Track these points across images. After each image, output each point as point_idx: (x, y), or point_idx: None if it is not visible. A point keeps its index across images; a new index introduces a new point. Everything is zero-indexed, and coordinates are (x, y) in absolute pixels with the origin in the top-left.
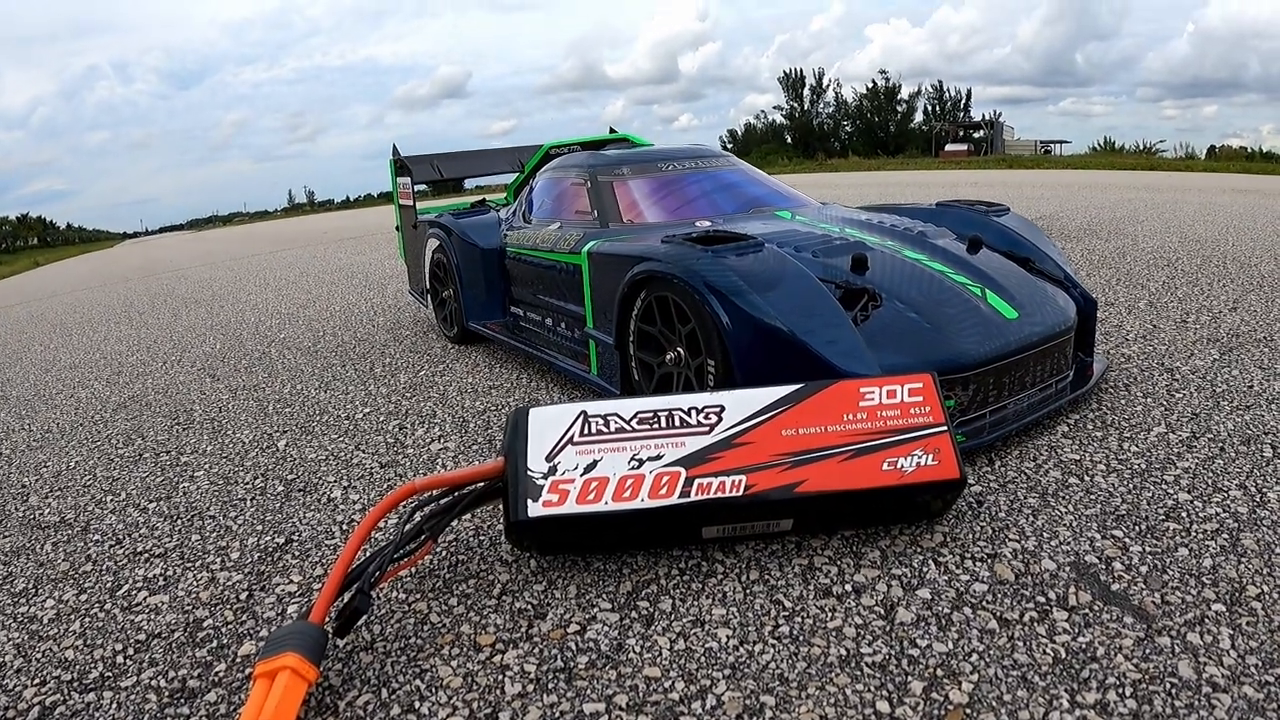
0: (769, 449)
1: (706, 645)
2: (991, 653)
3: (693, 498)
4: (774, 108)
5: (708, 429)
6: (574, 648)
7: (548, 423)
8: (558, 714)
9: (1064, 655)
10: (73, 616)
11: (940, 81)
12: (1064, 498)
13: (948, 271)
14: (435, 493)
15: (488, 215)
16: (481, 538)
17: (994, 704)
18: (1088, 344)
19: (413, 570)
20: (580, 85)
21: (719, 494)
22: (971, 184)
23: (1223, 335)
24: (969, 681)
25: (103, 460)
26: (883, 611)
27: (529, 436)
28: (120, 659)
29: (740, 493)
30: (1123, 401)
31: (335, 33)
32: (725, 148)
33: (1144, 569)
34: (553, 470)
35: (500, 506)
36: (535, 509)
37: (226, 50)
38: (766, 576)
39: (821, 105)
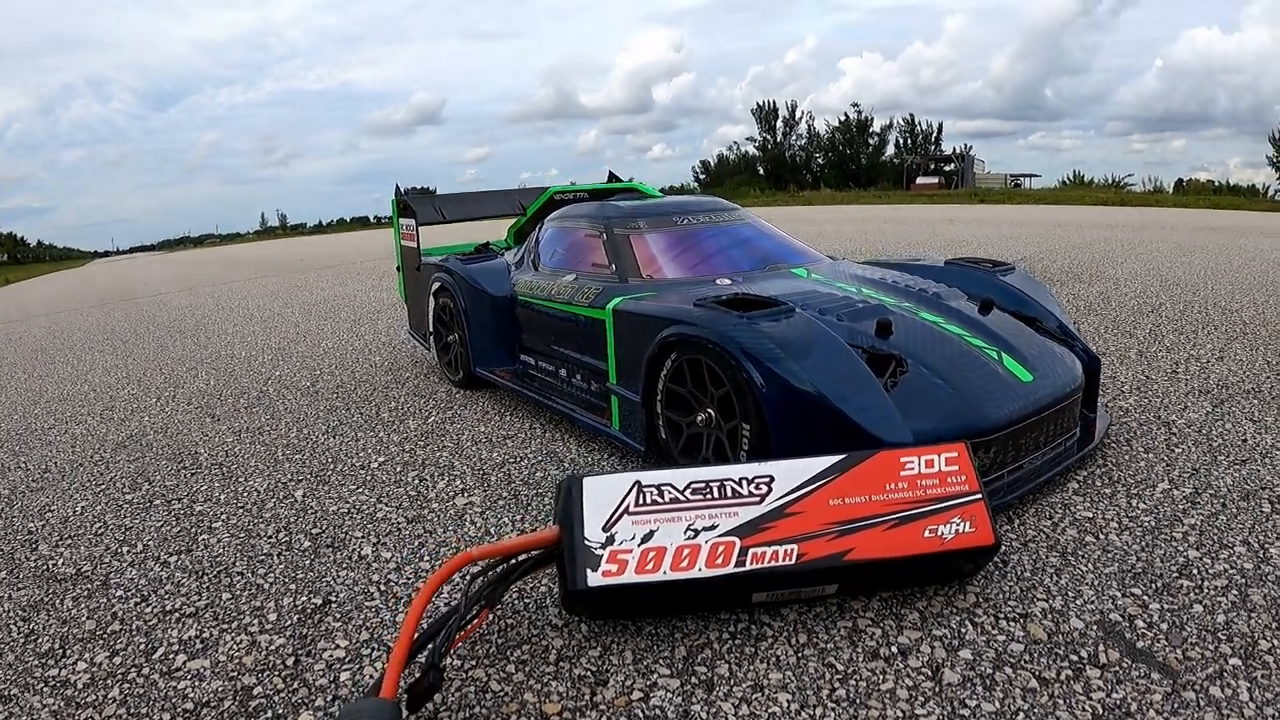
0: (818, 518)
1: (769, 710)
2: (1036, 711)
3: (748, 567)
4: (747, 139)
5: (759, 499)
6: (641, 715)
7: (602, 492)
8: None
9: (1101, 712)
10: (109, 682)
11: (912, 115)
12: (1083, 556)
13: (965, 334)
14: (489, 560)
15: (496, 261)
16: (526, 600)
17: None
18: (1091, 400)
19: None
20: (554, 114)
21: (772, 563)
22: (946, 219)
23: (1213, 387)
24: None
25: (111, 506)
26: (930, 673)
27: (584, 506)
28: None
29: (793, 561)
30: (1126, 457)
31: (312, 56)
32: (698, 178)
33: (1164, 626)
34: (610, 540)
35: (555, 573)
36: (595, 579)
37: (204, 71)
38: (815, 639)
39: (794, 137)
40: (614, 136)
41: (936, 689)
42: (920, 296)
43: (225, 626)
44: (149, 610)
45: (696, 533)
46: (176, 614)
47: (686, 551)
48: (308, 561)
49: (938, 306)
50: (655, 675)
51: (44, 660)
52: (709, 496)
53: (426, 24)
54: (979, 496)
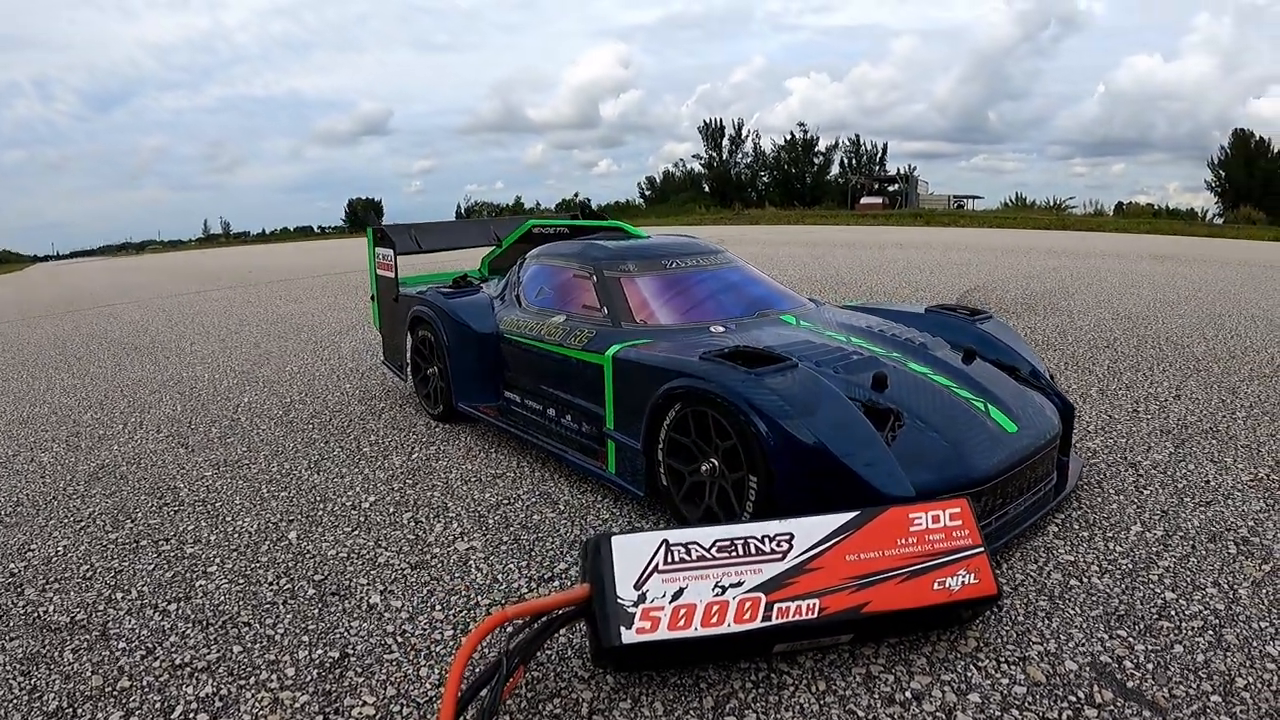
0: (837, 573)
1: None
2: None
3: (774, 621)
4: (693, 156)
5: (780, 556)
6: None
7: (631, 551)
8: None
9: None
10: None
11: (857, 135)
12: (1069, 600)
13: (952, 386)
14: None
15: (479, 295)
16: (549, 653)
17: None
18: (1065, 445)
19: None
20: (501, 127)
21: (796, 617)
22: (895, 243)
23: (1173, 426)
24: None
25: (96, 548)
26: (944, 717)
27: (614, 564)
28: None
29: (815, 615)
30: (1099, 499)
31: (260, 62)
32: (643, 195)
33: (1150, 666)
34: (642, 598)
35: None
36: (629, 636)
37: (150, 74)
38: (833, 686)
39: (740, 155)
40: (560, 151)
41: None
42: (906, 346)
43: (243, 683)
44: (157, 664)
45: (724, 589)
46: (188, 668)
47: (716, 608)
48: (315, 611)
49: (924, 357)
50: None
51: None
52: (734, 554)
53: (378, 34)
54: (981, 550)
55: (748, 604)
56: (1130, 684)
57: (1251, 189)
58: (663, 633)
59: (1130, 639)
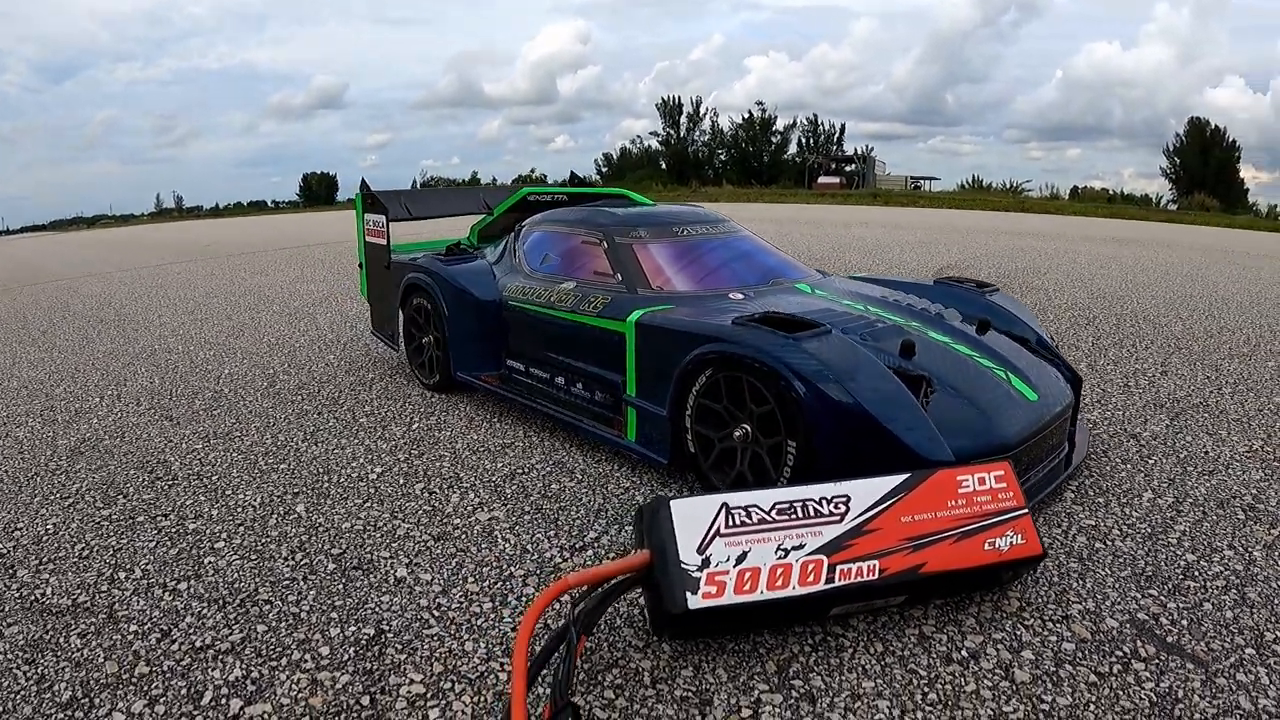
0: (894, 534)
1: (876, 718)
2: (1103, 702)
3: (836, 583)
4: (650, 133)
5: (839, 518)
6: None
7: (691, 515)
8: None
9: (1155, 699)
10: None
11: (815, 115)
12: (1098, 562)
13: (974, 355)
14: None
15: (478, 262)
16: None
17: None
18: (1074, 415)
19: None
20: (457, 102)
21: (858, 578)
22: (860, 222)
23: (1165, 400)
24: None
25: (90, 525)
26: (1003, 673)
27: (675, 529)
28: None
29: (875, 576)
30: (1108, 468)
31: (215, 34)
32: (600, 171)
33: (1185, 622)
34: (706, 563)
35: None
36: (695, 601)
37: (104, 45)
38: (891, 648)
39: (698, 133)
40: (517, 127)
41: (1013, 688)
42: (924, 316)
43: (275, 664)
44: (175, 647)
45: (786, 552)
46: (211, 651)
47: (780, 571)
48: (340, 586)
49: (942, 326)
50: (756, 691)
51: (70, 713)
52: (793, 516)
53: (335, 6)
54: (1025, 511)
55: (811, 566)
56: (1170, 639)
57: (1206, 177)
58: (729, 597)
59: (1162, 598)
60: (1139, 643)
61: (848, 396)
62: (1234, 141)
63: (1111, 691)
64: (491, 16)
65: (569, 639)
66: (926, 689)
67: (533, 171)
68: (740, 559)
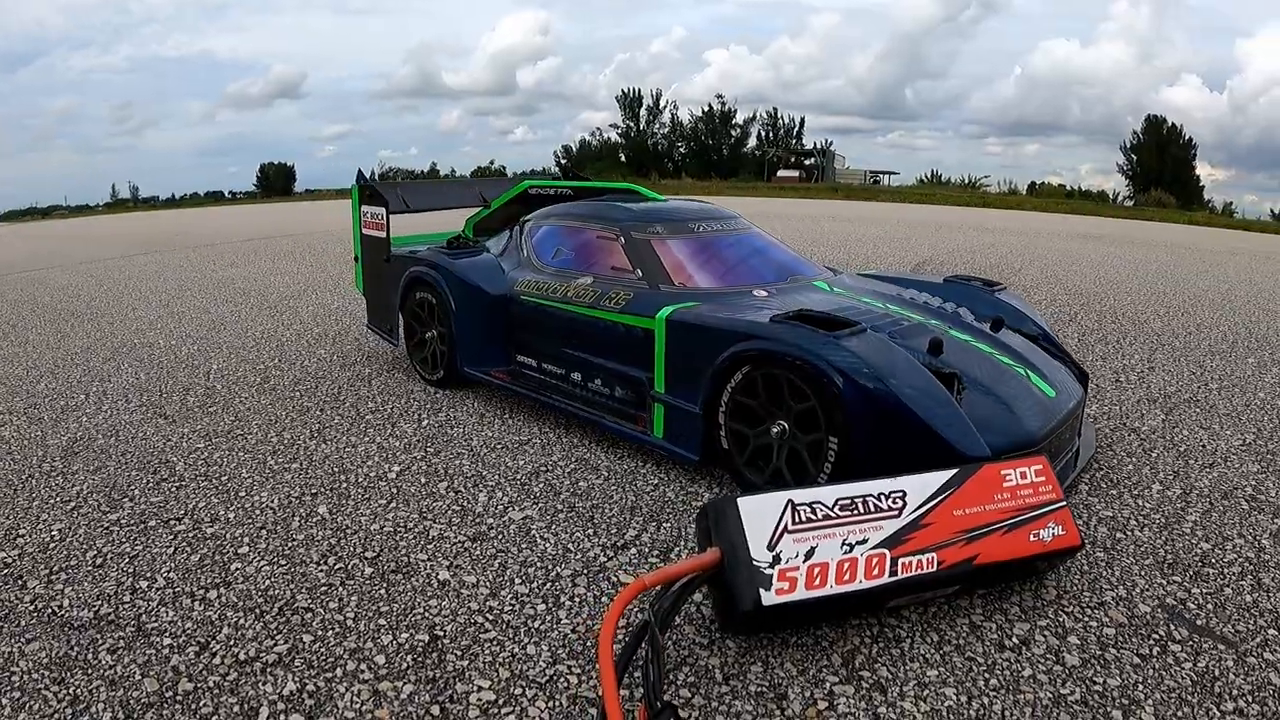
0: (949, 528)
1: (945, 704)
2: (1150, 681)
3: (899, 576)
4: (610, 126)
5: (897, 512)
6: None
7: (759, 513)
8: None
9: (1196, 678)
10: None
11: (775, 108)
12: (1122, 551)
13: (994, 353)
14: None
15: (485, 256)
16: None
17: (1172, 718)
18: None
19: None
20: (417, 93)
21: (918, 571)
22: (829, 216)
23: (1157, 395)
24: (1149, 703)
25: (99, 530)
26: (1054, 657)
27: (745, 527)
28: None
29: (934, 569)
30: (1115, 461)
31: (174, 21)
32: (559, 163)
33: (1210, 606)
34: (777, 559)
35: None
36: (769, 597)
37: (61, 32)
38: (946, 637)
39: (657, 125)
40: (476, 118)
41: (1065, 671)
42: (942, 314)
43: (330, 675)
44: (218, 661)
45: (851, 547)
46: (258, 664)
47: (847, 565)
48: (381, 591)
49: (961, 325)
50: (828, 684)
51: None
52: (855, 512)
53: None
54: (1064, 503)
55: (875, 560)
56: (1200, 621)
57: (1162, 174)
58: (800, 592)
59: (1186, 584)
60: (1172, 626)
61: (889, 393)
62: (1190, 139)
63: (1155, 672)
64: (450, 7)
65: (652, 638)
66: (987, 675)
67: (491, 163)
68: (809, 554)
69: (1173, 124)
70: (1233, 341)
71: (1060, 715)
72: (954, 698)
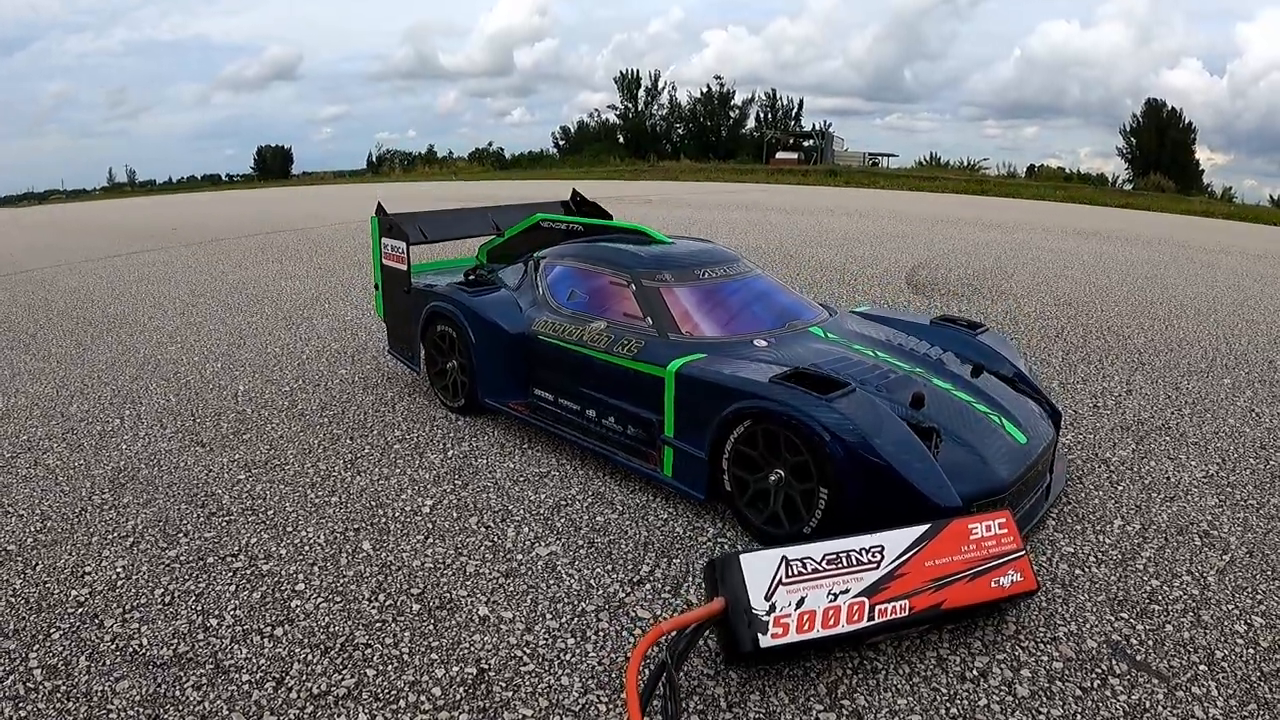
0: (920, 577)
1: None
2: (1087, 712)
3: (876, 620)
4: (608, 107)
5: (875, 565)
6: None
7: (758, 568)
8: None
9: (1129, 709)
10: None
11: (774, 90)
12: (1078, 588)
13: (971, 401)
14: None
15: (503, 293)
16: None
17: None
18: (1053, 450)
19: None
20: (414, 74)
21: (893, 616)
22: (827, 209)
23: (1130, 422)
24: None
25: (160, 568)
26: (1007, 689)
27: (745, 580)
28: None
29: (906, 614)
30: (1082, 494)
31: (169, 4)
32: (557, 144)
33: (1150, 642)
34: (773, 608)
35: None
36: (766, 641)
37: (55, 16)
38: (916, 670)
39: (655, 107)
40: (473, 99)
41: (1015, 702)
42: (926, 362)
43: (395, 707)
44: (294, 695)
45: (835, 596)
46: (330, 697)
47: (831, 612)
48: (430, 626)
49: (943, 372)
50: (814, 711)
51: None
52: (839, 565)
53: None
54: (1023, 553)
55: (855, 607)
56: (1140, 657)
57: (1161, 158)
58: (792, 636)
59: (1131, 620)
60: (1113, 661)
61: (873, 451)
62: (1190, 123)
63: (1093, 704)
64: None
65: (669, 675)
66: (949, 704)
67: (489, 145)
68: (799, 604)
69: (1172, 107)
70: (1211, 359)
71: None
72: None
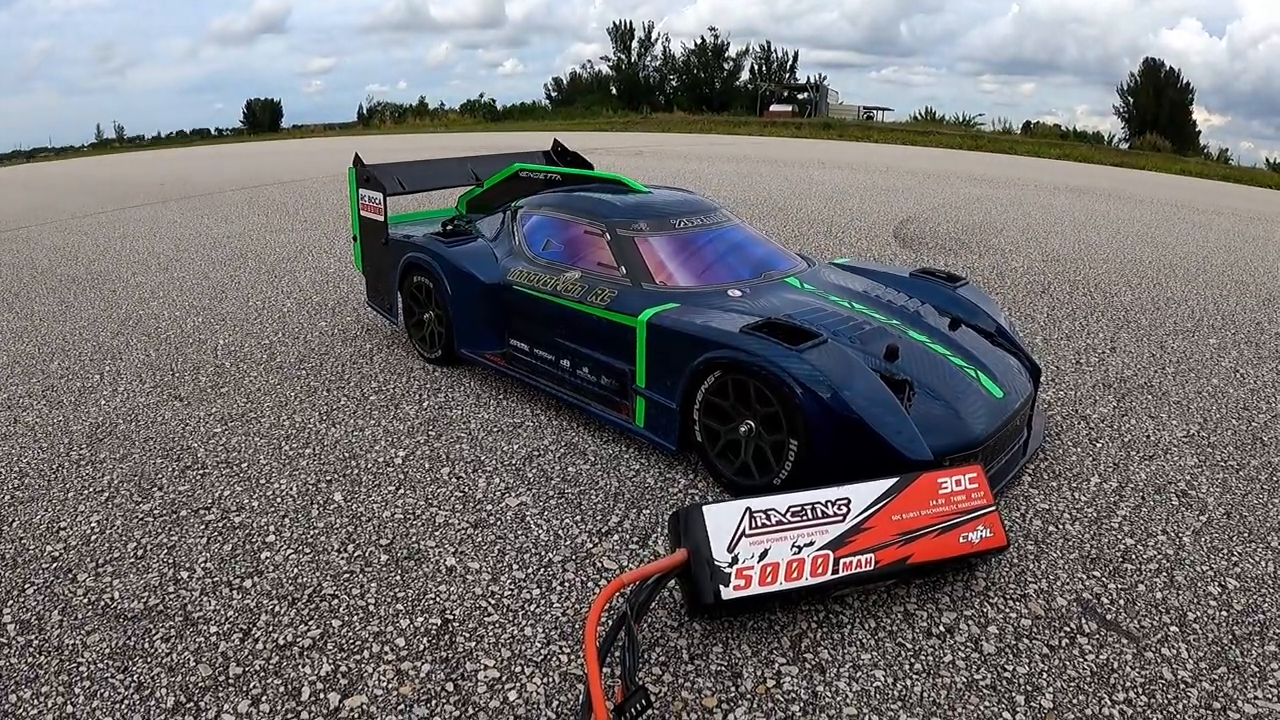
0: (887, 531)
1: (874, 685)
2: (1053, 670)
3: (840, 574)
4: (601, 58)
5: (841, 518)
6: (781, 700)
7: (721, 519)
8: None
9: (1095, 668)
10: None
11: (768, 42)
12: (1051, 545)
13: (947, 354)
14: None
15: (479, 244)
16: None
17: (1068, 705)
18: (1031, 405)
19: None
20: (404, 26)
21: (857, 569)
22: (818, 162)
23: (1113, 380)
24: (1050, 691)
25: (135, 522)
26: (974, 645)
27: (708, 531)
28: None
29: (871, 567)
30: (1060, 451)
31: None
32: (550, 96)
33: (1122, 602)
34: (735, 560)
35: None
36: (728, 593)
37: None
38: (882, 624)
39: (649, 59)
40: (465, 51)
41: (981, 659)
42: (903, 314)
43: (358, 657)
44: (260, 647)
45: (799, 549)
46: (295, 648)
47: (795, 565)
48: (397, 577)
49: (919, 324)
50: (777, 664)
51: (180, 718)
52: (804, 517)
53: None
54: (994, 509)
55: (819, 560)
56: (1109, 616)
57: (1158, 117)
58: (754, 588)
59: (1104, 579)
60: (1083, 620)
61: (844, 403)
62: (1188, 84)
63: (1060, 662)
64: None
65: (629, 628)
66: (913, 659)
67: (481, 96)
68: (762, 556)
69: (1170, 67)
70: (1198, 319)
71: (970, 698)
72: (882, 679)
